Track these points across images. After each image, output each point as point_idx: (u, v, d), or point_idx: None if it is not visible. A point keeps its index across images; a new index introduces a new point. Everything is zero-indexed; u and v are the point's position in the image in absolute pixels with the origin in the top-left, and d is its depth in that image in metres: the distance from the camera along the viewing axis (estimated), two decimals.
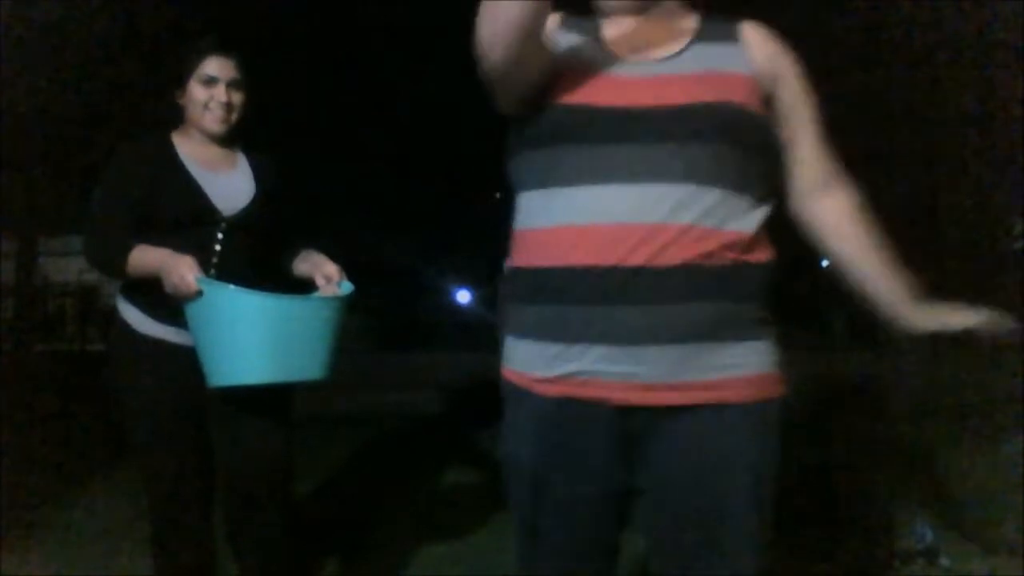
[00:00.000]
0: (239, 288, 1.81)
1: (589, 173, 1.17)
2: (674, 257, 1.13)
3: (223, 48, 2.01)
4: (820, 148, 1.32)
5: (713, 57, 1.24)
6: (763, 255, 1.23)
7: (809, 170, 1.32)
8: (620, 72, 1.23)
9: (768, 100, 1.26)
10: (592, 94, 1.20)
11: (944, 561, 2.81)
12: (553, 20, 1.29)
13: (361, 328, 8.78)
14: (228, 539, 2.11)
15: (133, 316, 1.99)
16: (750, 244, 1.19)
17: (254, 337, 1.78)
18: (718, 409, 1.18)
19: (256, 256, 2.05)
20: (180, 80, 2.00)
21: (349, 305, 1.97)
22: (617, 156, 1.16)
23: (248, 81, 2.04)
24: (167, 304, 1.86)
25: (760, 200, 1.23)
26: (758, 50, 1.28)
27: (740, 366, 1.20)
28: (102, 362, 2.11)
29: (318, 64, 11.70)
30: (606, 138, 1.17)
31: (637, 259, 1.13)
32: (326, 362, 1.88)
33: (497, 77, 1.20)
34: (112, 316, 2.09)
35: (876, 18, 9.93)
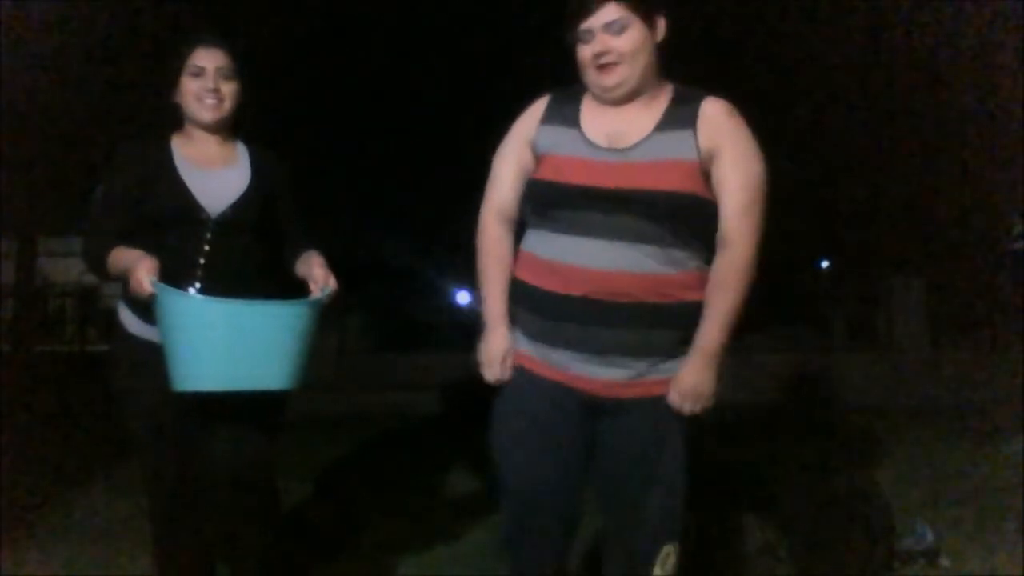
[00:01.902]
0: (188, 293, 1.80)
1: (569, 227, 1.63)
2: (626, 294, 1.60)
3: (208, 39, 2.02)
4: (736, 210, 1.62)
5: (668, 147, 1.62)
6: (695, 295, 1.64)
7: (722, 225, 1.64)
8: (593, 157, 1.64)
9: (708, 174, 1.62)
10: (572, 175, 1.64)
11: (944, 561, 2.81)
12: (539, 110, 1.74)
13: (361, 328, 8.76)
14: (225, 541, 2.10)
15: (130, 319, 1.99)
16: (684, 286, 1.63)
17: (206, 343, 1.74)
18: (657, 400, 1.66)
19: (249, 255, 2.04)
20: (172, 78, 2.01)
21: (336, 310, 1.92)
22: (588, 219, 1.60)
23: (242, 71, 2.04)
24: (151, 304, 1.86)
25: (692, 255, 1.64)
26: (706, 134, 1.62)
27: (670, 371, 1.66)
28: (102, 362, 2.11)
29: (318, 63, 11.70)
30: (581, 206, 1.61)
31: (599, 293, 1.60)
32: (292, 371, 1.80)
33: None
34: (112, 317, 2.09)
35: (876, 18, 9.93)
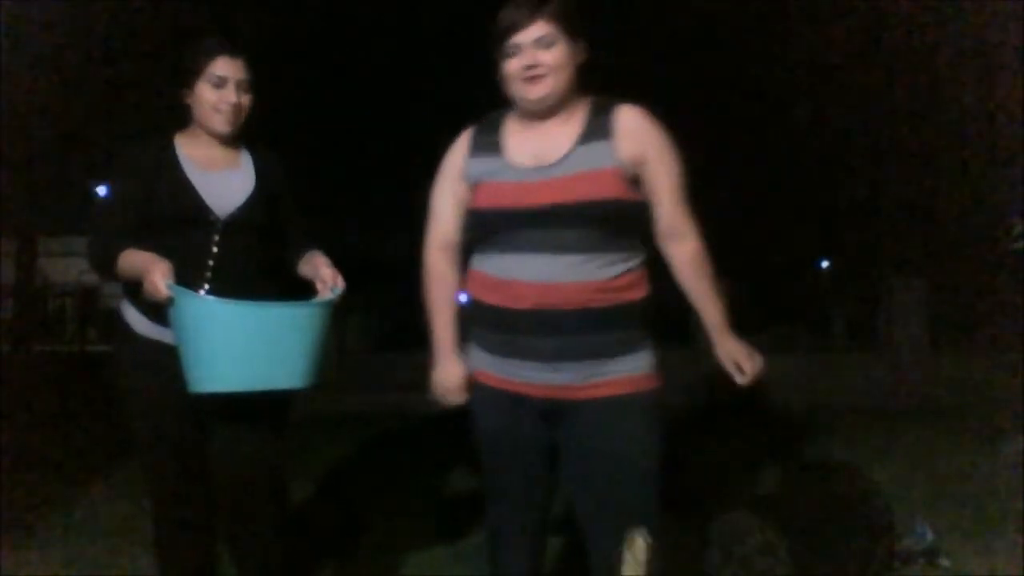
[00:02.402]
0: (207, 296, 1.80)
1: (512, 246, 1.71)
2: (571, 303, 1.68)
3: (233, 49, 1.99)
4: (675, 205, 1.77)
5: (589, 158, 1.70)
6: (637, 293, 1.75)
7: (665, 222, 1.77)
8: (522, 179, 1.72)
9: (635, 177, 1.72)
10: (505, 199, 1.73)
11: (944, 561, 2.81)
12: (463, 145, 1.83)
13: (361, 328, 8.77)
14: (226, 540, 2.11)
15: (134, 318, 1.99)
16: (624, 287, 1.72)
17: (224, 345, 1.76)
18: (610, 399, 1.72)
19: (256, 256, 2.04)
20: (187, 80, 1.98)
21: (337, 309, 1.93)
22: (528, 237, 1.69)
23: (255, 81, 2.03)
24: (160, 305, 1.86)
25: (629, 256, 1.73)
26: (626, 141, 1.72)
27: (623, 371, 1.73)
28: (102, 362, 2.11)
29: (318, 63, 11.70)
30: (518, 226, 1.70)
31: (546, 304, 1.68)
32: (306, 370, 1.84)
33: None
34: (112, 317, 2.09)
35: (876, 18, 9.93)
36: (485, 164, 1.78)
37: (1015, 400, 5.61)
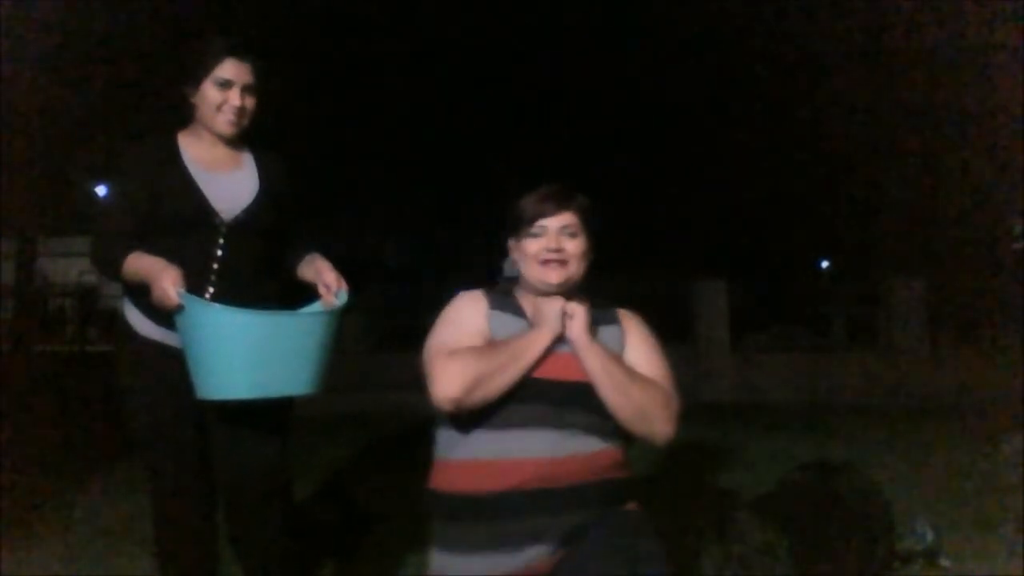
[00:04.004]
0: (219, 305, 1.80)
1: (510, 422, 1.67)
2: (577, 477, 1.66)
3: (240, 51, 1.97)
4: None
5: (605, 339, 1.76)
6: (626, 471, 1.75)
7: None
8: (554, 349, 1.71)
9: None
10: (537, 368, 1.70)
11: (944, 561, 2.81)
12: (479, 299, 1.81)
13: (361, 328, 8.77)
14: (230, 541, 2.11)
15: (136, 319, 1.99)
16: (619, 463, 1.74)
17: (234, 353, 1.76)
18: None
19: (260, 258, 2.04)
20: (193, 79, 1.97)
21: (343, 313, 1.94)
22: (532, 412, 1.67)
23: (261, 84, 2.02)
24: (163, 307, 1.86)
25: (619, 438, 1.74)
26: (626, 331, 1.82)
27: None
28: (102, 362, 2.11)
29: (319, 63, 11.70)
30: (530, 399, 1.67)
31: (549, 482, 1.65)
32: (313, 377, 1.86)
33: (463, 406, 1.68)
34: (112, 317, 2.08)
35: (876, 18, 9.94)
36: (509, 321, 1.78)
37: (1015, 400, 5.62)
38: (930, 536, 2.85)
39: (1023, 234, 10.00)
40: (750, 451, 4.65)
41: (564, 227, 1.80)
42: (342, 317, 1.95)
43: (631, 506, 1.76)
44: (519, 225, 1.82)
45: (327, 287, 2.00)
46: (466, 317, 1.80)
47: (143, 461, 2.04)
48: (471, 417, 1.70)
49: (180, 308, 1.78)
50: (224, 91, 1.96)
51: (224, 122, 1.98)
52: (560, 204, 1.81)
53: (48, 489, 3.89)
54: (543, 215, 1.80)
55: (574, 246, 1.80)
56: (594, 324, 1.77)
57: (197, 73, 1.96)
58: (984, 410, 5.79)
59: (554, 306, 1.73)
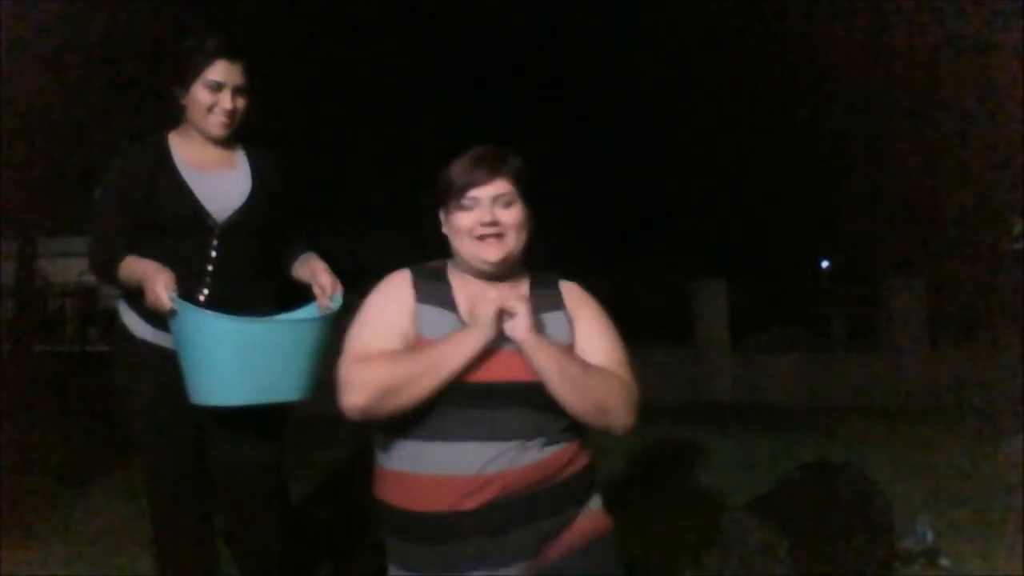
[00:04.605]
0: (209, 312, 1.80)
1: (439, 432, 1.50)
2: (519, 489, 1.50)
3: (231, 53, 1.96)
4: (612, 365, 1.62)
5: (551, 330, 1.58)
6: (580, 463, 1.59)
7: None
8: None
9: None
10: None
11: (944, 561, 2.81)
12: (406, 285, 1.61)
13: None
14: (227, 541, 2.11)
15: (133, 322, 1.99)
16: (566, 462, 1.57)
17: (226, 360, 1.76)
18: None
19: (255, 258, 2.04)
20: (183, 79, 1.96)
21: (339, 314, 1.92)
22: (462, 418, 1.50)
23: (251, 85, 2.02)
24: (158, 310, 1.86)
25: (568, 435, 1.58)
26: (573, 312, 1.64)
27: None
28: (102, 362, 2.11)
29: (317, 62, 11.70)
30: (457, 405, 1.50)
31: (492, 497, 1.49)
32: (305, 383, 1.85)
33: (373, 416, 1.53)
34: (112, 318, 2.09)
35: (876, 18, 9.94)
36: (437, 317, 1.57)
37: (1015, 400, 5.62)
38: (930, 536, 2.86)
39: (1023, 234, 9.99)
40: (750, 451, 4.66)
41: (498, 196, 1.58)
42: (335, 320, 1.93)
43: (593, 509, 1.61)
44: (447, 196, 1.62)
45: (322, 289, 2.00)
46: (387, 314, 1.59)
47: (141, 461, 2.04)
48: (400, 424, 1.53)
49: (173, 312, 1.78)
50: (215, 93, 1.95)
51: (215, 124, 1.98)
52: (492, 171, 1.59)
53: (48, 489, 3.89)
54: (473, 184, 1.59)
55: (511, 216, 1.59)
56: (539, 313, 1.57)
57: (187, 75, 1.95)
58: (984, 410, 5.79)
59: (489, 307, 1.49)
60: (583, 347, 1.61)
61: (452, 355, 1.49)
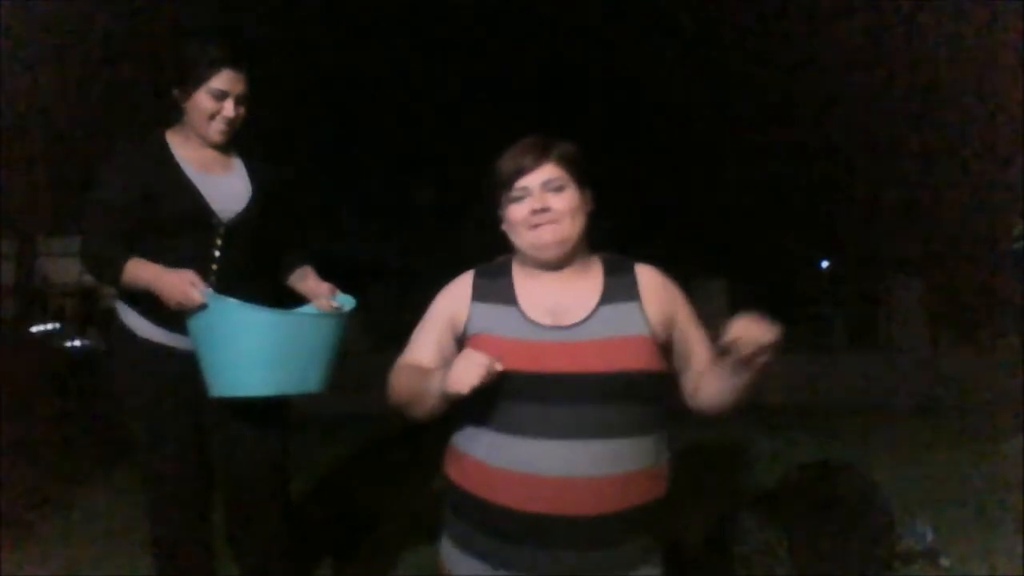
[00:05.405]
0: (244, 303, 1.81)
1: (513, 426, 1.46)
2: (590, 506, 1.44)
3: (236, 61, 1.97)
4: (709, 358, 1.59)
5: (617, 322, 1.52)
6: (656, 492, 1.54)
7: (700, 375, 1.61)
8: (540, 338, 1.50)
9: (665, 342, 1.57)
10: (513, 360, 1.45)
11: (944, 561, 2.81)
12: (465, 287, 1.60)
13: (361, 328, 8.76)
14: (228, 540, 2.11)
15: (132, 320, 1.99)
16: (647, 487, 1.51)
17: (256, 351, 1.78)
18: None
19: (256, 259, 2.05)
20: (186, 84, 1.96)
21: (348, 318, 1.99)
22: (539, 414, 1.45)
23: (251, 91, 2.02)
24: (164, 309, 1.86)
25: (655, 445, 1.53)
26: (653, 304, 1.57)
27: None
28: (102, 362, 2.12)
29: (318, 62, 11.70)
30: (529, 398, 1.46)
31: (561, 508, 1.43)
32: (324, 376, 1.90)
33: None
34: (112, 318, 2.09)
35: (876, 18, 9.94)
36: (494, 313, 1.55)
37: (1015, 400, 5.61)
38: (930, 536, 2.85)
39: (1023, 234, 9.99)
40: (750, 451, 4.65)
41: (548, 182, 1.54)
42: (346, 323, 2.00)
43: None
44: (499, 190, 1.58)
45: (324, 296, 2.07)
46: (434, 321, 1.62)
47: (141, 461, 2.04)
48: (481, 412, 1.50)
49: (201, 307, 1.78)
50: (219, 102, 1.96)
51: (216, 131, 1.99)
52: (538, 157, 1.55)
53: (48, 489, 3.89)
54: (520, 172, 1.55)
55: (563, 202, 1.54)
56: (610, 303, 1.53)
57: (190, 81, 1.95)
58: (984, 410, 5.79)
59: (474, 374, 1.39)
60: (684, 347, 1.61)
61: (430, 391, 1.51)
